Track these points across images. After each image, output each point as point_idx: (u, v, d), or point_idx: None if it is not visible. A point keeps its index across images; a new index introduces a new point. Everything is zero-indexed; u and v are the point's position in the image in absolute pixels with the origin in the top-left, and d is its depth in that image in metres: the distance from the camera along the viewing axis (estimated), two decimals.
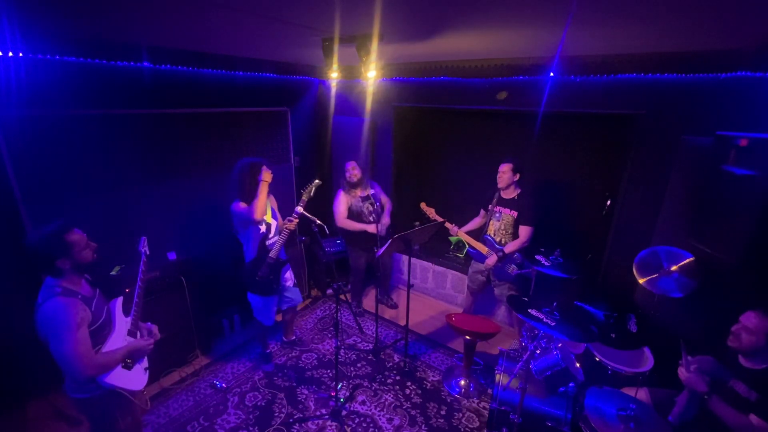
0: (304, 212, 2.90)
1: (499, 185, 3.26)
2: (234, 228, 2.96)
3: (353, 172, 3.67)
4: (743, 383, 1.88)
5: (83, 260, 1.78)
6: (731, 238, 2.29)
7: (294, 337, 3.70)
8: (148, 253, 2.25)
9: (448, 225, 3.46)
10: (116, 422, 1.92)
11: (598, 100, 3.08)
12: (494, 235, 3.35)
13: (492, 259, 3.27)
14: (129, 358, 1.90)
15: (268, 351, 3.43)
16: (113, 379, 1.81)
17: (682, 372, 2.00)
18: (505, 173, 3.19)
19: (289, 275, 3.25)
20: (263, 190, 2.80)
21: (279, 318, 3.39)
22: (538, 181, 3.77)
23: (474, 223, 3.59)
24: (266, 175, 2.82)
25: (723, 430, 1.86)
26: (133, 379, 1.92)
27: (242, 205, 2.81)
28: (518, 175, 3.20)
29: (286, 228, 2.93)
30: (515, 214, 3.22)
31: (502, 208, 3.30)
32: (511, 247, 3.22)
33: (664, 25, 1.89)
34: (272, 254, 2.96)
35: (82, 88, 2.72)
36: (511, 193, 3.26)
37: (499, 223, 3.32)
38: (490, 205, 3.38)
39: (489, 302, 4.09)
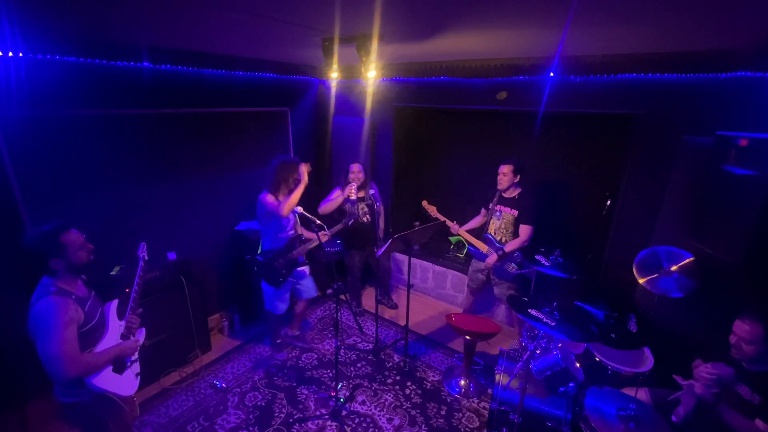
0: (304, 212, 2.95)
1: (500, 187, 3.26)
2: (256, 216, 3.07)
3: (358, 175, 3.66)
4: (746, 386, 1.88)
5: (77, 261, 1.76)
6: (731, 237, 2.29)
7: (298, 332, 3.72)
8: (146, 258, 2.25)
9: (449, 223, 3.46)
10: (107, 429, 1.87)
11: (597, 100, 3.08)
12: (495, 233, 3.36)
13: (492, 258, 3.28)
14: (118, 359, 1.85)
15: (279, 341, 3.49)
16: (103, 382, 1.77)
17: (697, 384, 1.90)
18: (506, 175, 3.19)
19: (303, 270, 3.32)
20: (300, 189, 2.92)
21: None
22: (538, 181, 3.77)
23: (475, 222, 3.60)
24: (305, 175, 2.96)
25: (723, 430, 1.86)
26: (124, 384, 1.87)
27: (270, 197, 2.91)
28: (519, 176, 3.21)
29: (324, 235, 3.03)
30: (516, 213, 3.23)
31: (502, 207, 3.30)
32: (511, 245, 3.22)
33: (664, 25, 1.89)
34: (294, 253, 3.05)
35: (82, 88, 2.73)
36: (511, 193, 3.27)
37: (500, 221, 3.32)
38: (491, 204, 3.38)
39: (489, 302, 4.10)
